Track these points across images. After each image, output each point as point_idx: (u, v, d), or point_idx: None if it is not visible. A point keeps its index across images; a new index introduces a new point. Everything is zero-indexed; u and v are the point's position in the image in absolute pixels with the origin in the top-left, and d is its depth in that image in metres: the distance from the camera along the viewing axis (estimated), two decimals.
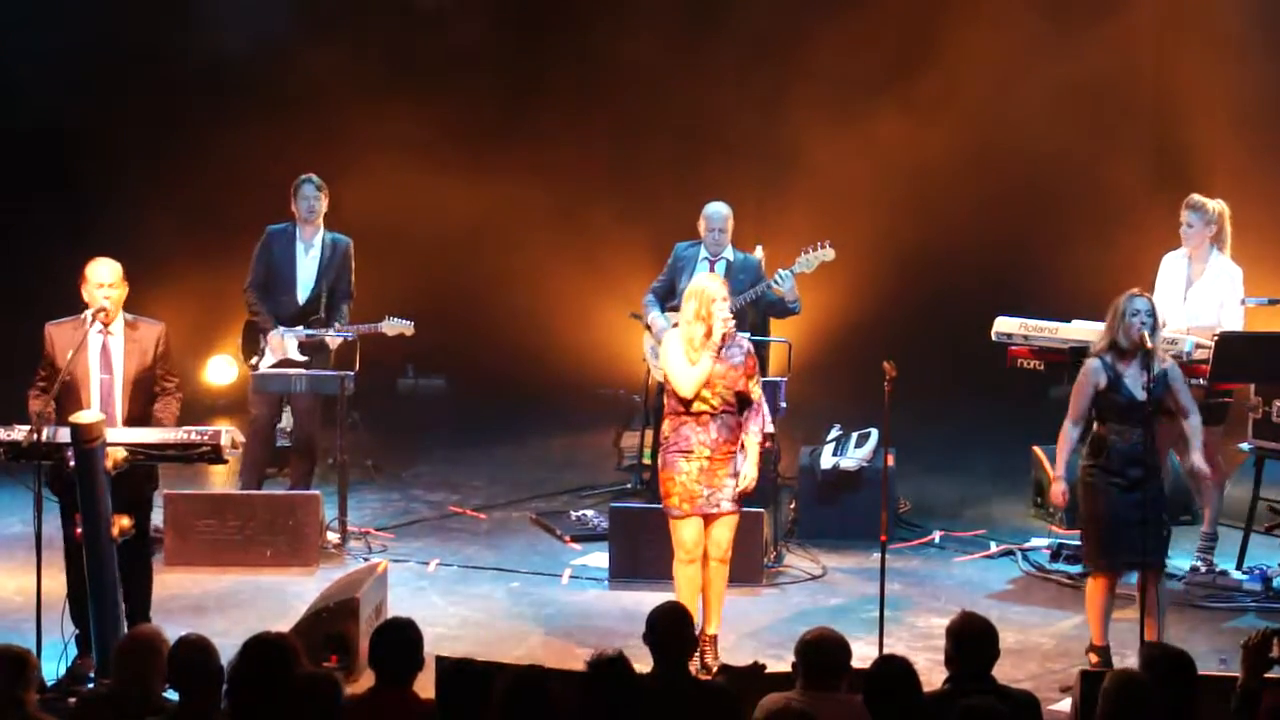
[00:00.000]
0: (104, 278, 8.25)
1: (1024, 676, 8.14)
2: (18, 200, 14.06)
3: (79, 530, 7.82)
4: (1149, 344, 8.13)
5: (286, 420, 11.16)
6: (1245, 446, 10.11)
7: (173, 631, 6.37)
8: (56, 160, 14.09)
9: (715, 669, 8.19)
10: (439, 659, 6.28)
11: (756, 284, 10.55)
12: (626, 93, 14.53)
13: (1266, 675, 6.00)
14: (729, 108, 14.73)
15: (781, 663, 7.54)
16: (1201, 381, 9.33)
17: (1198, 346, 9.31)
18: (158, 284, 11.48)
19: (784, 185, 14.25)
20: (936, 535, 10.74)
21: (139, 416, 8.28)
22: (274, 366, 10.61)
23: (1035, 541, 10.42)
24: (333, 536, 10.27)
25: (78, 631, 8.06)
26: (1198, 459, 8.53)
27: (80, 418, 7.79)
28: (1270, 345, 9.72)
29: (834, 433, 11.03)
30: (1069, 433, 8.33)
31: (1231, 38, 13.53)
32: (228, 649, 6.03)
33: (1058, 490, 8.44)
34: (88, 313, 8.21)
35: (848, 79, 14.16)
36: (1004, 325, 9.80)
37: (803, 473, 10.86)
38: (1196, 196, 9.84)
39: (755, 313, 10.68)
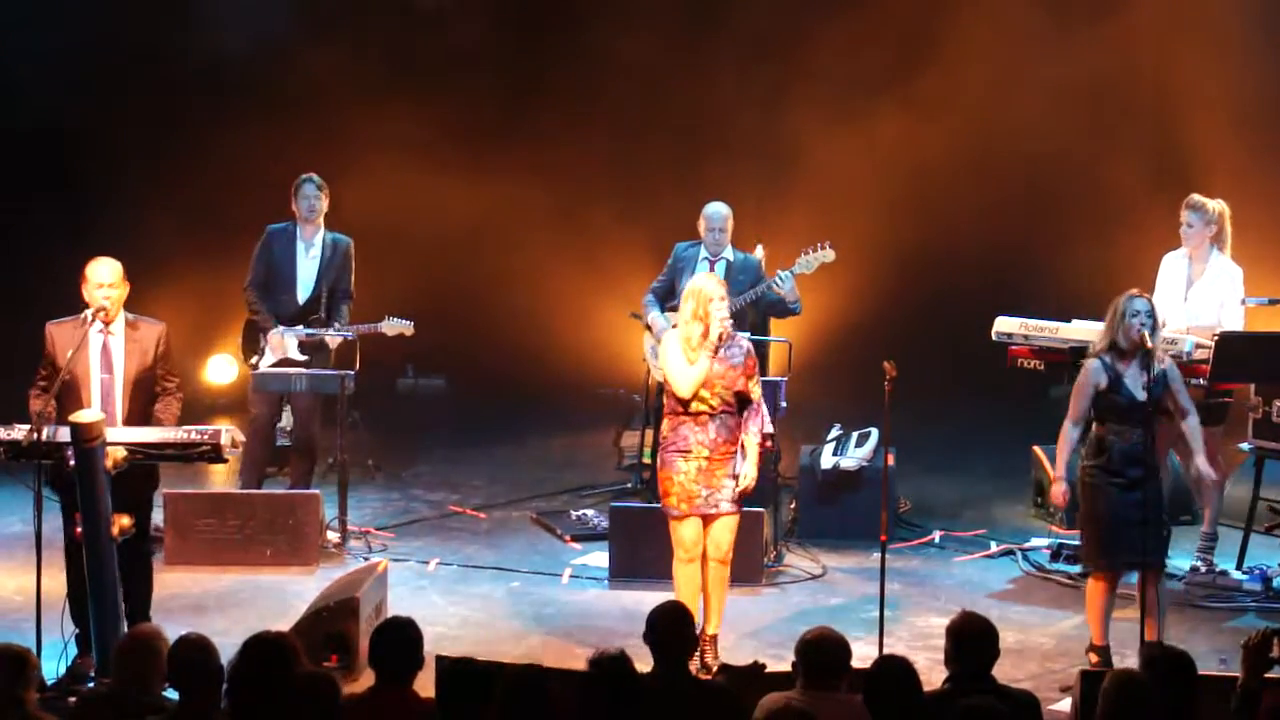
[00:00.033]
0: (104, 278, 8.24)
1: (1024, 676, 8.14)
2: (18, 200, 14.07)
3: (79, 529, 7.83)
4: (1149, 344, 8.13)
5: (286, 420, 11.16)
6: (1245, 446, 10.12)
7: (173, 631, 6.37)
8: (56, 160, 14.10)
9: (715, 669, 8.19)
10: (439, 658, 6.28)
11: (757, 284, 10.55)
12: (626, 92, 14.53)
13: (1266, 675, 5.99)
14: (729, 107, 14.73)
15: (781, 662, 7.54)
16: (1201, 381, 9.33)
17: (1198, 346, 9.31)
18: (158, 284, 11.48)
19: (784, 185, 14.25)
20: (936, 535, 10.74)
21: (139, 416, 8.28)
22: (274, 366, 10.61)
23: (1035, 541, 10.42)
24: (333, 536, 10.27)
25: (78, 631, 8.06)
26: (1203, 464, 8.54)
27: (80, 417, 7.78)
28: (1270, 345, 9.72)
29: (834, 432, 11.04)
30: (1069, 433, 8.33)
31: (1231, 38, 13.54)
32: (228, 648, 6.03)
33: (1059, 491, 8.44)
34: (88, 312, 8.20)
35: (848, 79, 14.16)
36: (1004, 325, 9.80)
37: (803, 472, 10.86)
38: (1196, 197, 9.84)
39: (756, 313, 10.68)
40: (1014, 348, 9.84)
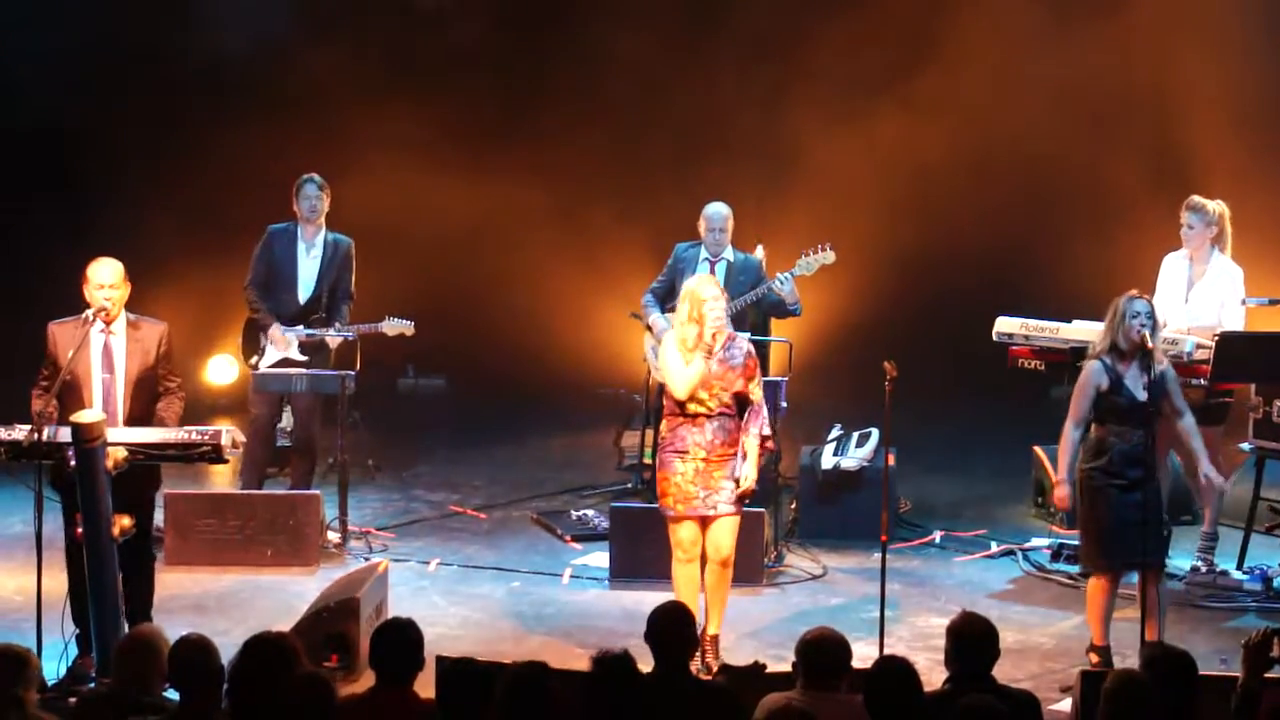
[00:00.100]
0: (104, 278, 8.24)
1: (1024, 676, 8.14)
2: (18, 200, 14.07)
3: (79, 530, 7.83)
4: (1149, 345, 8.13)
5: (287, 420, 11.17)
6: (1245, 446, 10.12)
7: (173, 631, 6.37)
8: (56, 160, 14.10)
9: (715, 669, 8.19)
10: (439, 659, 6.28)
11: (757, 284, 10.55)
12: (626, 92, 14.54)
13: (1267, 675, 5.99)
14: (729, 108, 14.73)
15: (782, 663, 7.54)
16: (1202, 381, 9.34)
17: (1198, 346, 9.31)
18: (158, 284, 11.47)
19: (784, 185, 14.25)
20: (937, 535, 10.74)
21: (141, 416, 8.29)
22: (274, 365, 10.62)
23: (1036, 541, 10.42)
24: (333, 536, 10.27)
25: (78, 631, 8.06)
26: (1211, 470, 8.53)
27: (81, 417, 7.79)
28: (1270, 345, 9.72)
29: (835, 433, 11.03)
30: (1071, 435, 8.32)
31: (1231, 38, 13.54)
32: (228, 648, 6.03)
33: (1062, 493, 8.41)
34: (89, 312, 8.20)
35: (848, 79, 14.17)
36: (1005, 325, 9.81)
37: (803, 472, 10.86)
38: (1196, 198, 9.84)
39: (756, 313, 10.68)
40: (1014, 348, 9.84)
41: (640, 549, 9.56)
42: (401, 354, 13.87)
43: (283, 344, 10.60)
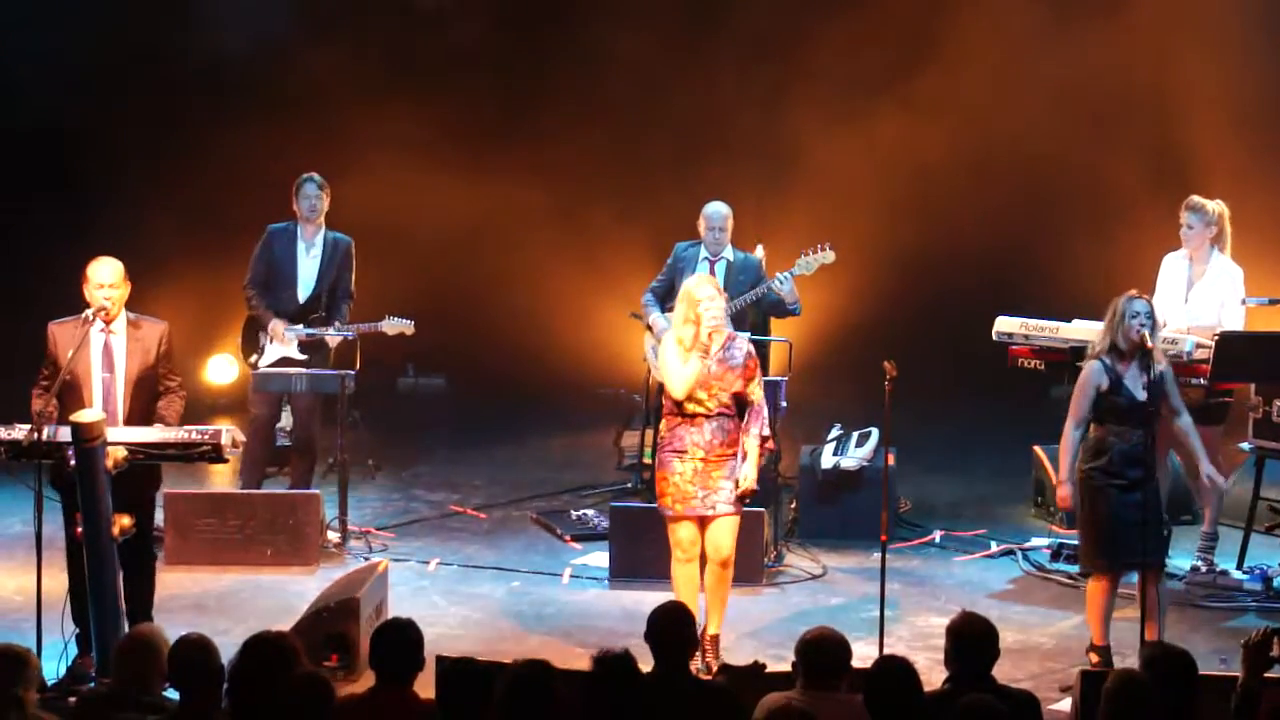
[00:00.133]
0: (104, 278, 8.24)
1: (1024, 676, 8.14)
2: (18, 200, 14.07)
3: (79, 529, 7.83)
4: (1149, 344, 8.13)
5: (286, 419, 11.17)
6: (1245, 446, 10.12)
7: (173, 631, 6.37)
8: (56, 160, 14.10)
9: (715, 669, 8.18)
10: (439, 658, 6.28)
11: (757, 284, 10.55)
12: (626, 92, 14.53)
13: (1267, 675, 5.99)
14: (729, 107, 14.73)
15: (782, 662, 7.54)
16: (1202, 381, 9.34)
17: (1198, 346, 9.31)
18: (158, 283, 11.47)
19: (784, 185, 14.25)
20: (937, 535, 10.74)
21: (141, 415, 8.29)
22: (274, 364, 10.62)
23: (1036, 541, 10.43)
24: (333, 536, 10.27)
25: (78, 630, 8.06)
26: (1212, 470, 8.54)
27: (81, 417, 7.78)
28: (1270, 345, 9.73)
29: (834, 432, 11.03)
30: (1071, 435, 8.31)
31: (1231, 38, 13.54)
32: (228, 648, 6.02)
33: (1064, 494, 8.38)
34: (89, 312, 8.20)
35: (848, 79, 14.16)
36: (1005, 325, 9.81)
37: (803, 472, 10.86)
38: (1196, 198, 9.85)
39: (756, 313, 10.68)
40: (1014, 347, 9.84)
41: (640, 549, 9.56)
42: (401, 353, 13.87)
43: (283, 339, 10.59)
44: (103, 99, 14.04)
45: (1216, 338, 9.34)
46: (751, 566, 9.50)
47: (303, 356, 10.63)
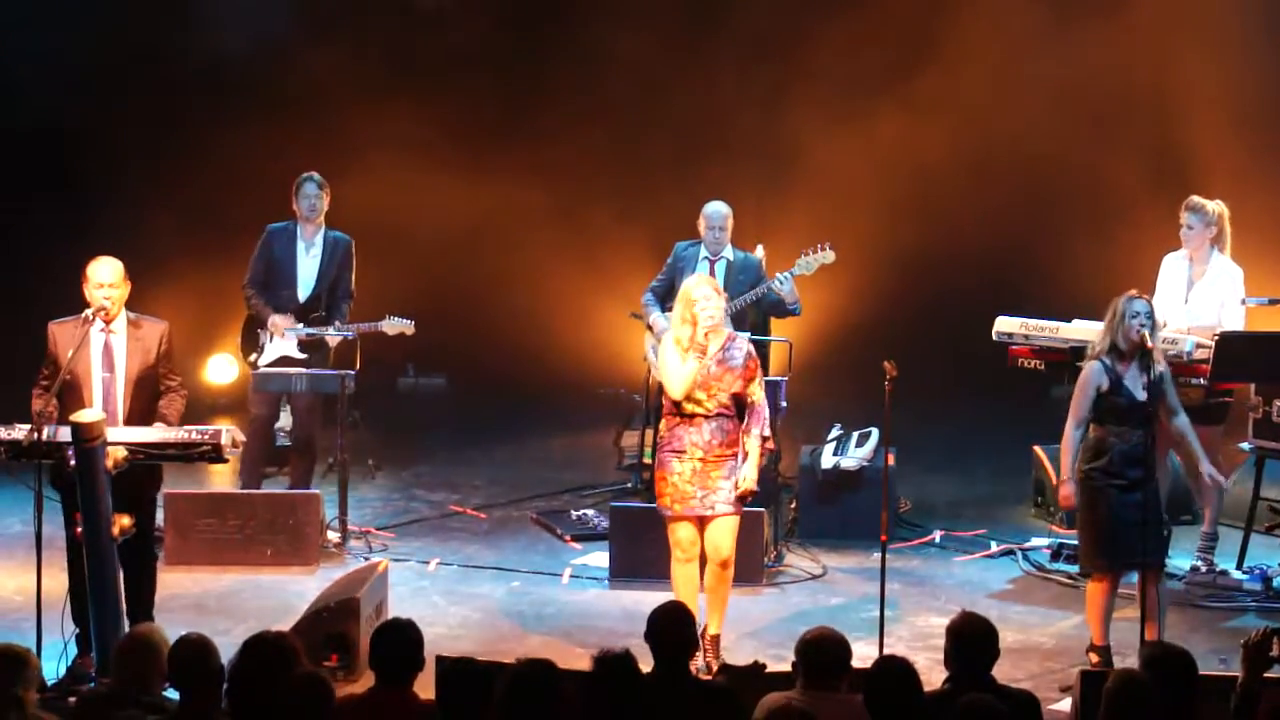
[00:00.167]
0: (104, 277, 8.24)
1: (1024, 676, 8.14)
2: (18, 200, 14.07)
3: (79, 529, 7.83)
4: (1149, 344, 8.13)
5: (286, 419, 11.17)
6: (1245, 446, 10.12)
7: (173, 631, 6.37)
8: (56, 160, 14.10)
9: (716, 669, 8.18)
10: (439, 658, 6.28)
11: (757, 284, 10.55)
12: (626, 92, 14.53)
13: (1266, 675, 5.99)
14: (729, 107, 14.73)
15: (782, 662, 7.54)
16: (1202, 381, 9.34)
17: (1198, 346, 9.32)
18: (157, 283, 11.47)
19: (784, 185, 14.25)
20: (937, 535, 10.74)
21: (141, 415, 8.29)
22: (274, 363, 10.62)
23: (1035, 541, 10.42)
24: (333, 536, 10.27)
25: (78, 630, 8.06)
26: (1211, 468, 8.56)
27: (80, 417, 7.78)
28: (1270, 345, 9.73)
29: (834, 432, 11.03)
30: (1072, 435, 8.30)
31: (1231, 38, 13.54)
32: (228, 648, 6.03)
33: (1066, 492, 8.35)
34: (89, 311, 8.21)
35: (848, 79, 14.16)
36: (1005, 325, 9.81)
37: (803, 472, 10.86)
38: (1196, 198, 9.85)
39: (756, 313, 10.68)
40: (1014, 347, 9.84)
41: (640, 549, 9.56)
42: (402, 353, 13.87)
43: (282, 333, 10.58)
44: (103, 99, 14.04)
45: (1216, 338, 9.34)
46: (751, 566, 9.50)
47: (302, 356, 10.63)
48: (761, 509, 9.61)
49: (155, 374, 8.36)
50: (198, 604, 9.25)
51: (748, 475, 8.29)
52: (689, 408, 8.29)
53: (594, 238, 14.32)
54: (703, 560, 8.40)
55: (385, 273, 12.39)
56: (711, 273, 10.43)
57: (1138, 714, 5.67)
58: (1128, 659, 8.00)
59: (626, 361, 12.31)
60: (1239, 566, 9.78)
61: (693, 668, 6.65)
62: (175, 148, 14.10)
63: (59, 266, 9.34)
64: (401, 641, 6.10)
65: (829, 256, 10.62)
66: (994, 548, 10.48)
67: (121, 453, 7.91)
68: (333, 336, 10.60)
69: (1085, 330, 9.35)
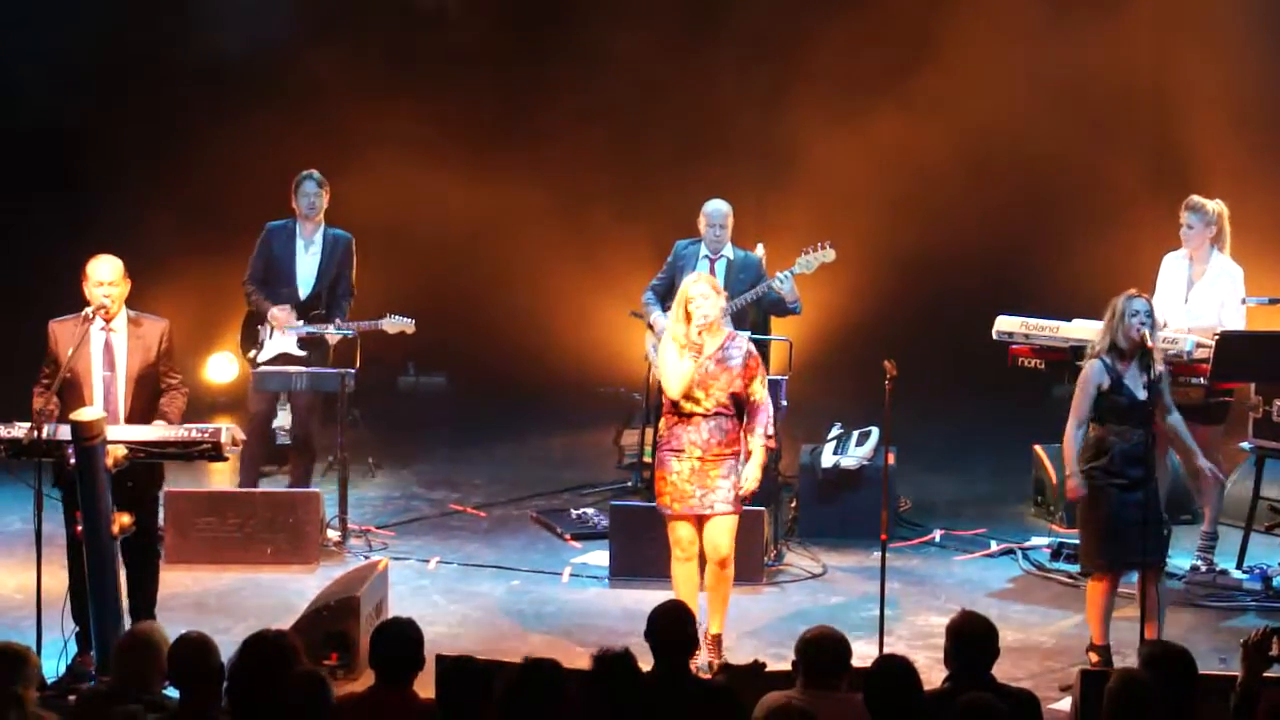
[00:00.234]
0: (104, 276, 8.25)
1: (1024, 675, 8.14)
2: (18, 200, 14.06)
3: (79, 528, 7.83)
4: (1149, 343, 8.14)
5: (285, 418, 11.17)
6: (1245, 446, 10.12)
7: (173, 629, 6.37)
8: (56, 160, 14.10)
9: (716, 668, 8.18)
10: (439, 657, 6.28)
11: (757, 282, 10.55)
12: (626, 92, 14.53)
13: (1266, 674, 6.00)
14: (729, 107, 14.73)
15: (782, 661, 7.54)
16: (1202, 381, 9.35)
17: (1198, 346, 9.32)
18: (157, 282, 11.46)
19: (784, 185, 14.25)
20: (937, 534, 10.73)
21: (142, 413, 8.29)
22: (273, 360, 10.62)
23: (1036, 540, 10.42)
24: (333, 534, 10.27)
25: (78, 629, 8.07)
26: (1204, 462, 8.57)
27: (80, 415, 7.79)
28: (1270, 345, 9.73)
29: (835, 431, 11.03)
30: (1074, 434, 8.28)
31: (1231, 38, 13.54)
32: (228, 647, 6.03)
33: (1073, 484, 8.31)
34: (89, 309, 8.21)
35: (848, 79, 14.16)
36: (1005, 324, 9.81)
37: (803, 471, 10.86)
38: (1196, 198, 9.85)
39: (757, 312, 10.68)
40: (1015, 347, 9.85)
41: (640, 548, 9.55)
42: (402, 352, 13.85)
43: (283, 326, 10.57)
44: (103, 99, 14.04)
45: (1216, 337, 9.34)
46: (752, 565, 9.50)
47: (302, 354, 10.63)
48: (761, 508, 9.61)
49: (156, 372, 8.36)
50: (198, 602, 9.25)
51: (751, 475, 8.28)
52: (687, 407, 8.28)
53: (594, 237, 14.32)
54: (702, 559, 8.39)
55: (385, 271, 12.40)
56: (712, 271, 10.43)
57: (1139, 713, 5.67)
58: (1128, 659, 8.01)
59: (626, 360, 12.32)
60: (1239, 566, 9.78)
61: (693, 667, 6.65)
62: (175, 147, 14.11)
63: (59, 266, 9.35)
64: (401, 640, 6.10)
65: (829, 255, 10.61)
66: (994, 547, 10.48)
67: (121, 451, 7.91)
68: (333, 335, 10.60)
69: (1085, 330, 9.35)
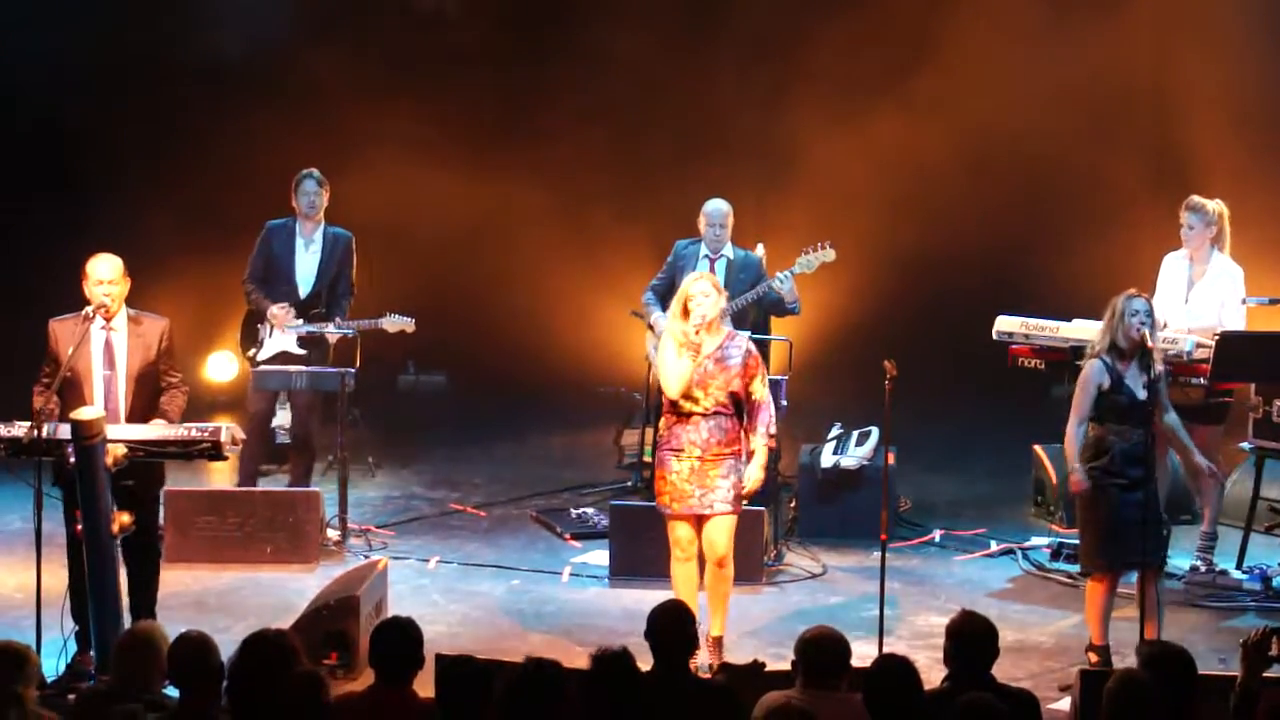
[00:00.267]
0: (104, 274, 8.25)
1: (1023, 675, 8.14)
2: (18, 200, 14.06)
3: (79, 526, 7.83)
4: (1149, 343, 8.14)
5: (284, 417, 11.16)
6: (1245, 446, 10.12)
7: (173, 628, 6.38)
8: (56, 160, 14.10)
9: (715, 667, 8.18)
10: (439, 657, 6.28)
11: (757, 282, 10.55)
12: (626, 92, 14.53)
13: (1265, 674, 6.00)
14: (729, 107, 14.73)
15: (781, 661, 7.52)
16: (1202, 381, 9.35)
17: (1198, 346, 9.32)
18: (157, 281, 11.45)
19: (784, 185, 14.25)
20: (937, 534, 10.74)
21: (143, 412, 8.29)
22: (272, 359, 10.62)
23: (1035, 540, 10.43)
24: (333, 533, 10.27)
25: (78, 628, 8.07)
26: (1201, 460, 8.58)
27: (80, 414, 7.79)
28: (1270, 345, 9.73)
29: (834, 431, 11.04)
30: (1075, 432, 8.28)
31: (1231, 38, 13.54)
32: (228, 646, 6.04)
33: (1076, 478, 8.29)
34: (89, 308, 8.21)
35: (848, 79, 14.16)
36: (1005, 324, 9.82)
37: (803, 471, 10.86)
38: (1196, 198, 9.85)
39: (757, 311, 10.68)
40: (1015, 347, 9.85)
41: (640, 547, 9.55)
42: (402, 351, 13.87)
43: (282, 324, 10.57)
44: (103, 99, 14.04)
45: (1216, 338, 9.34)
46: (751, 565, 9.50)
47: (302, 352, 10.63)
48: (761, 508, 9.61)
49: (156, 371, 8.36)
50: (197, 602, 9.25)
51: (753, 475, 8.28)
52: (686, 406, 8.28)
53: (594, 237, 14.32)
54: (701, 559, 8.39)
55: (386, 270, 12.41)
56: (712, 271, 10.42)
57: (1138, 713, 5.67)
58: (1127, 659, 8.00)
59: (627, 360, 12.32)
60: (1239, 566, 9.78)
61: (693, 667, 6.64)
62: (175, 147, 14.11)
63: (59, 265, 9.35)
64: (401, 640, 6.10)
65: (829, 255, 10.61)
66: (994, 547, 10.48)
67: (121, 450, 7.91)
68: (333, 334, 10.60)
69: (1085, 330, 9.35)
